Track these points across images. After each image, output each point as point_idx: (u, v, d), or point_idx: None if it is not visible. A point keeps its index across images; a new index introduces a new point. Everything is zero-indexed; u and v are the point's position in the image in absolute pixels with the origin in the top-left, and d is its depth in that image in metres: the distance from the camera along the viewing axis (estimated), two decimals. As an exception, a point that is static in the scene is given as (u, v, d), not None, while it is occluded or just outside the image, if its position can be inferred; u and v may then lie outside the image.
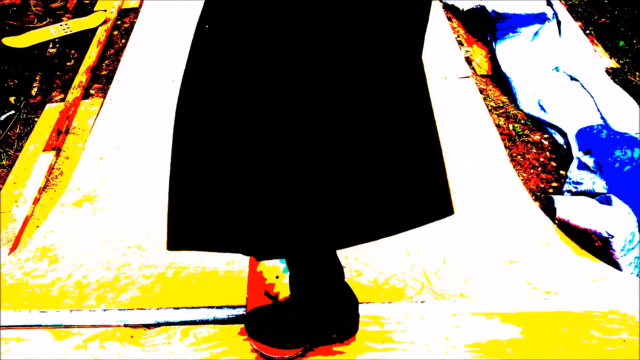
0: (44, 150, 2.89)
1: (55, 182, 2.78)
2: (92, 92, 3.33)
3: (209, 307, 1.96)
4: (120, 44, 3.67)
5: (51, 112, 3.16)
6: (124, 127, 3.04)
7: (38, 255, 2.38)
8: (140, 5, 3.97)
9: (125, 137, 2.98)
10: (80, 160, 2.85)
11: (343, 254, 2.40)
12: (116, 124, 3.05)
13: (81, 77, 3.35)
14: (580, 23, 4.13)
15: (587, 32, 4.05)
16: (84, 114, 3.16)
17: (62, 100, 3.26)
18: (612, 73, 3.63)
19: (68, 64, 3.54)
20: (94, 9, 3.92)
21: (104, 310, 2.07)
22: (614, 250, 2.25)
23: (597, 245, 2.33)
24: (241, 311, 1.91)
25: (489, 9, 3.84)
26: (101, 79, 3.41)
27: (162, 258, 2.35)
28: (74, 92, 3.23)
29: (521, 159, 3.01)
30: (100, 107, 3.16)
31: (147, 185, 2.73)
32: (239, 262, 2.25)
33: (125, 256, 2.37)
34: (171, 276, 2.26)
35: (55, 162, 2.87)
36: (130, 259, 2.36)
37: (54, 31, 3.68)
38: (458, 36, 3.99)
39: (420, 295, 2.21)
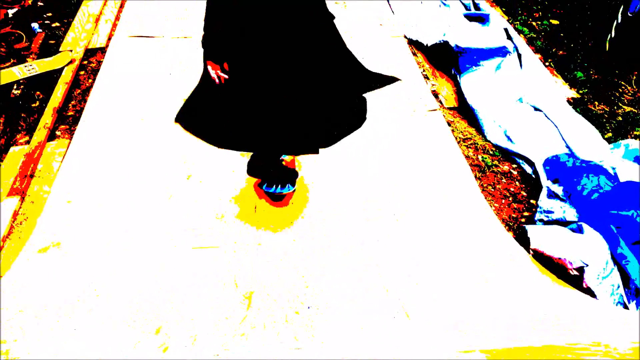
0: (8, 195, 2.78)
1: (20, 228, 2.66)
2: (58, 133, 3.25)
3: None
4: (87, 84, 3.61)
5: (15, 156, 3.06)
6: (91, 169, 2.96)
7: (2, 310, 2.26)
8: (108, 45, 3.93)
9: (93, 179, 2.90)
10: (47, 204, 2.75)
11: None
12: (84, 166, 2.97)
13: (47, 118, 3.26)
14: (539, 55, 4.30)
15: (547, 64, 4.22)
16: (49, 156, 3.07)
17: (27, 142, 3.16)
18: (573, 103, 3.77)
19: (33, 105, 3.46)
20: (60, 50, 3.85)
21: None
22: (589, 279, 2.29)
23: (572, 275, 2.37)
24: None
25: (452, 44, 3.96)
26: (67, 120, 3.34)
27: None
28: (40, 134, 3.14)
29: (492, 189, 3.07)
30: (67, 149, 3.08)
31: (115, 228, 2.65)
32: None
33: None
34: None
35: (20, 207, 2.76)
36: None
37: (18, 72, 3.60)
38: (424, 70, 4.08)
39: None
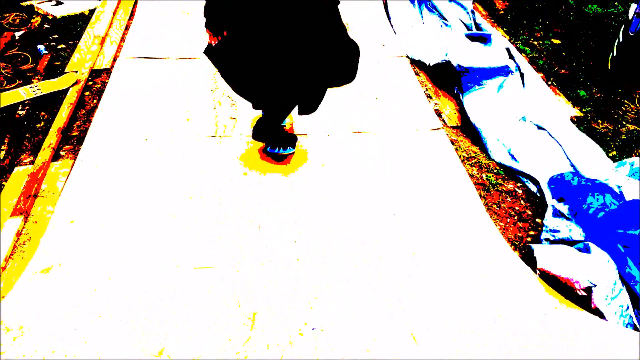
0: (12, 215, 2.78)
1: (23, 248, 2.65)
2: (62, 153, 3.26)
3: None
4: (92, 105, 3.64)
5: (19, 176, 3.06)
6: (95, 189, 2.96)
7: (2, 330, 2.24)
8: (113, 66, 3.97)
9: (96, 199, 2.90)
10: (50, 224, 2.75)
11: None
12: (87, 186, 2.97)
13: (51, 138, 3.28)
14: (541, 74, 4.32)
15: (549, 83, 4.23)
16: (53, 176, 3.07)
17: (32, 162, 3.17)
18: (576, 121, 3.77)
19: (38, 125, 3.47)
20: (65, 71, 3.89)
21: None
22: (598, 300, 2.25)
23: (580, 295, 2.33)
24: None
25: (454, 64, 3.98)
26: (72, 140, 3.35)
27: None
28: (44, 154, 3.15)
29: (497, 208, 3.05)
30: (71, 169, 3.08)
31: (118, 248, 2.63)
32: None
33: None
34: (147, 346, 2.14)
35: (24, 228, 2.75)
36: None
37: (24, 93, 3.63)
38: (426, 89, 4.10)
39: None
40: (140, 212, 2.84)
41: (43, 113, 3.56)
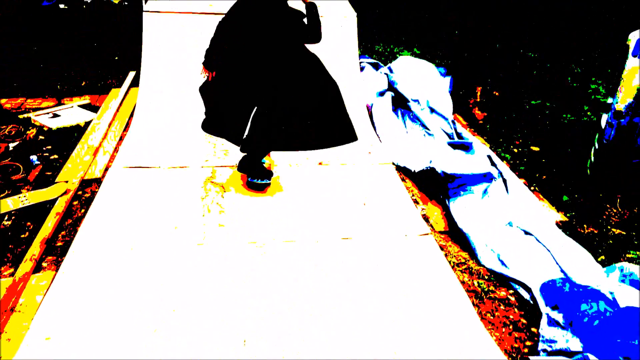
0: (-17, 333, 2.64)
1: (-8, 369, 2.49)
2: (44, 264, 3.18)
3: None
4: (80, 214, 3.63)
5: (-3, 289, 2.96)
6: (74, 302, 2.85)
7: None
8: (104, 176, 4.03)
9: (75, 313, 2.78)
10: (23, 342, 2.60)
11: None
12: (67, 300, 2.86)
13: (34, 249, 3.22)
14: (524, 180, 4.44)
15: (532, 188, 4.34)
16: (33, 290, 2.97)
17: (12, 274, 3.08)
18: (562, 226, 3.81)
19: (22, 236, 3.43)
20: (56, 181, 3.93)
21: None
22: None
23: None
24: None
25: (439, 170, 4.10)
26: (56, 251, 3.29)
27: None
28: (25, 267, 3.08)
29: (491, 317, 2.97)
30: (51, 282, 2.99)
31: (97, 367, 2.48)
32: None
33: None
34: None
35: (-6, 346, 2.60)
36: None
37: (11, 203, 3.63)
38: (413, 195, 4.17)
39: None
40: (120, 327, 2.72)
41: (29, 223, 3.54)
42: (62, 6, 8.50)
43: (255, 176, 3.94)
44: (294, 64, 3.60)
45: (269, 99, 3.61)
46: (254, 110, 3.67)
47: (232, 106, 3.66)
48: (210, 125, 3.80)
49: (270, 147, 3.85)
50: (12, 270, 3.14)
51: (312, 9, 3.62)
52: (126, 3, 8.59)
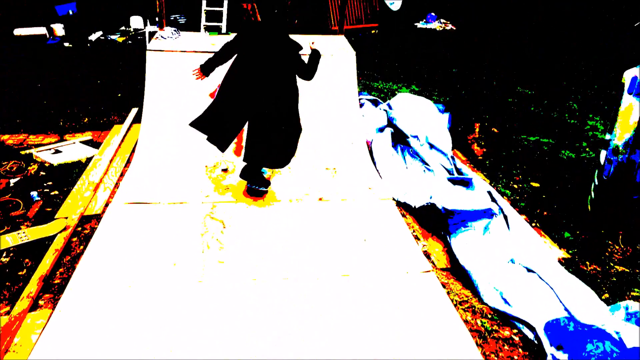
0: (-24, 374, 2.58)
1: (-17, 413, 2.42)
2: (41, 302, 3.14)
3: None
4: (78, 251, 3.60)
5: (-8, 328, 2.91)
6: (70, 342, 2.80)
7: None
8: (104, 212, 4.01)
9: (70, 353, 2.72)
10: (17, 384, 2.54)
11: None
12: (62, 340, 2.81)
13: (31, 287, 3.18)
14: (524, 216, 4.42)
15: (533, 224, 4.32)
16: (28, 328, 2.92)
17: (8, 313, 3.03)
18: (564, 263, 3.77)
19: (20, 273, 3.39)
20: (56, 217, 3.92)
21: None
22: None
23: None
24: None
25: (439, 206, 4.09)
26: (53, 289, 3.25)
27: None
28: (21, 305, 3.03)
29: (495, 358, 2.91)
30: (48, 320, 2.94)
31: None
32: None
33: None
34: None
35: (-13, 388, 2.54)
36: None
37: (10, 239, 3.60)
38: (414, 231, 4.15)
39: None
40: (117, 367, 2.66)
41: (27, 260, 3.51)
42: (66, 44, 8.68)
43: (254, 183, 4.36)
44: (281, 92, 3.99)
45: (259, 116, 4.04)
46: (248, 124, 4.10)
47: (226, 115, 4.00)
48: (200, 124, 4.06)
49: (265, 159, 4.21)
50: (8, 308, 3.09)
51: (316, 56, 4.02)
52: (130, 42, 8.77)
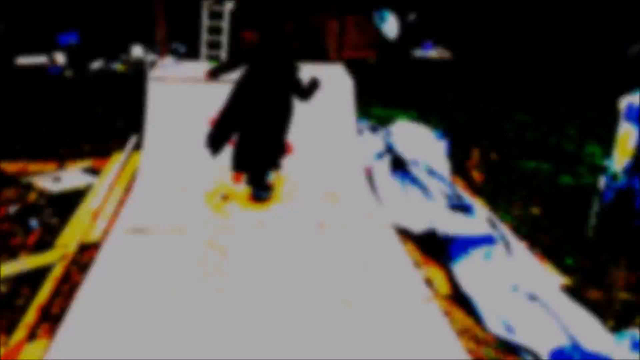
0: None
1: None
2: (39, 332, 3.09)
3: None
4: (77, 279, 3.57)
5: (-12, 360, 2.86)
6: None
7: None
8: (103, 240, 4.00)
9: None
10: (12, 418, 2.48)
11: None
12: (61, 370, 2.76)
13: (29, 317, 3.14)
14: (525, 243, 4.41)
15: (534, 251, 4.31)
16: (26, 358, 2.87)
17: (5, 344, 2.98)
18: (567, 290, 3.75)
19: (18, 302, 3.36)
20: (54, 245, 3.90)
21: None
22: None
23: None
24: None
25: (440, 233, 4.09)
26: (51, 318, 3.21)
27: None
28: (18, 335, 2.99)
29: (501, 388, 2.86)
30: (45, 352, 2.89)
31: None
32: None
33: None
34: None
35: (-19, 423, 2.48)
36: None
37: (8, 269, 3.58)
38: (414, 258, 4.13)
39: None
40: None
41: (25, 289, 3.47)
42: (68, 73, 8.77)
43: (257, 189, 4.71)
44: (279, 109, 4.50)
45: (260, 130, 4.52)
46: (240, 133, 4.55)
47: (234, 130, 4.52)
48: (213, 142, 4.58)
49: (266, 167, 4.68)
50: (5, 339, 3.04)
51: (315, 84, 4.52)
52: (130, 70, 8.86)
